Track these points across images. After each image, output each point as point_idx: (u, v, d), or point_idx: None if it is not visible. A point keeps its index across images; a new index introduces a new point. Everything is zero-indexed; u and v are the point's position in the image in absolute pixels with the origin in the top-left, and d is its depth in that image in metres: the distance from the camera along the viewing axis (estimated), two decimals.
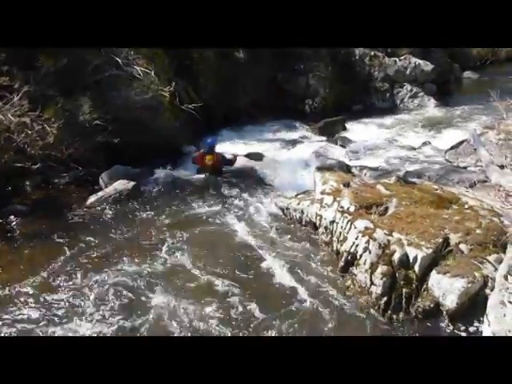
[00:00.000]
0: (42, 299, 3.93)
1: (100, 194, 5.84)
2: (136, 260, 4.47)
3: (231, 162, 6.87)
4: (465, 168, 6.53)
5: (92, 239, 4.88)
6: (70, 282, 4.15)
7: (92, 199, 5.75)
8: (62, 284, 4.13)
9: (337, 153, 7.59)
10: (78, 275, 4.25)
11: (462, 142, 7.30)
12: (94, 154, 6.28)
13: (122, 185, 5.93)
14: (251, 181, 6.50)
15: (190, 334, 3.54)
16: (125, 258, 4.50)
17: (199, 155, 6.77)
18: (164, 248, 4.68)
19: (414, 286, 3.69)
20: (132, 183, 5.98)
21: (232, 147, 8.08)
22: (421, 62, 11.41)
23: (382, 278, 3.70)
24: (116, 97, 6.73)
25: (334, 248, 4.35)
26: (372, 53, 11.30)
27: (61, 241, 4.85)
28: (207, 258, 4.49)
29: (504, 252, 3.69)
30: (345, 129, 9.35)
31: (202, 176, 6.66)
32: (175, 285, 4.09)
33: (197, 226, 5.14)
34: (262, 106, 9.83)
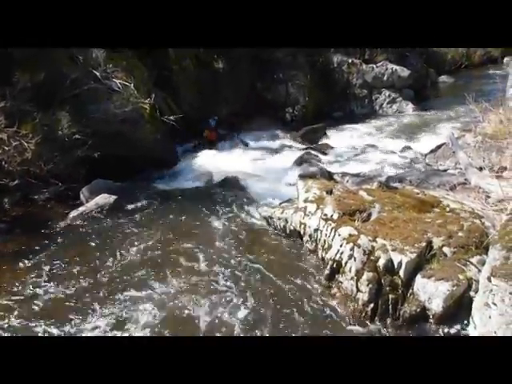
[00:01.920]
0: (22, 316, 3.83)
1: (81, 209, 5.75)
2: (119, 275, 4.40)
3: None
4: (445, 171, 6.62)
5: (74, 255, 4.79)
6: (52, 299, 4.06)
7: (73, 215, 5.65)
8: (43, 300, 4.03)
9: (319, 160, 7.63)
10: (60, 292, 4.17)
11: (440, 146, 7.43)
12: (74, 168, 6.18)
13: (103, 199, 5.84)
14: (234, 191, 6.47)
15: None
16: (108, 274, 4.43)
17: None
18: (147, 262, 4.62)
19: (399, 291, 3.71)
20: (114, 197, 5.90)
21: (213, 156, 8.08)
22: (397, 67, 11.61)
23: (368, 285, 3.71)
24: (95, 110, 6.66)
25: (320, 256, 4.35)
26: (350, 60, 11.46)
27: (42, 258, 4.75)
28: (191, 270, 4.44)
29: (486, 254, 3.74)
30: (326, 136, 9.42)
31: (185, 186, 6.66)
32: (159, 301, 4.03)
33: (180, 238, 5.09)
34: (243, 115, 9.85)
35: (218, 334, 3.60)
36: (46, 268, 4.57)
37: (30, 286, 4.27)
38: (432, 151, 7.41)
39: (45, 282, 4.35)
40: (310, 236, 4.56)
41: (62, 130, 6.09)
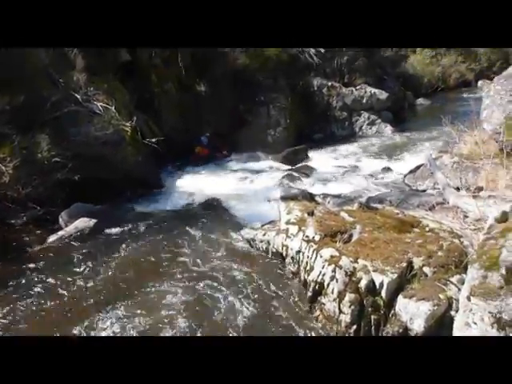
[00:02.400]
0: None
1: (60, 233, 5.65)
2: (99, 300, 4.31)
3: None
4: (423, 191, 6.73)
5: (52, 280, 4.68)
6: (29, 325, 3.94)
7: (52, 239, 5.55)
8: (17, 328, 3.91)
9: (300, 182, 7.69)
10: (38, 317, 4.05)
11: (419, 167, 7.56)
12: (53, 192, 6.10)
13: (83, 223, 5.76)
14: (216, 213, 6.46)
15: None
16: (87, 299, 4.33)
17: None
18: (129, 286, 4.54)
19: (381, 312, 3.70)
20: (94, 221, 5.82)
21: (196, 178, 8.08)
22: (376, 90, 11.90)
23: (350, 306, 3.70)
24: (76, 133, 6.63)
25: (302, 278, 4.34)
26: (329, 83, 11.69)
27: (18, 283, 4.63)
28: (171, 294, 4.37)
29: (466, 273, 3.79)
30: (307, 157, 9.52)
31: (167, 209, 6.64)
32: (141, 324, 3.95)
33: (162, 262, 5.03)
34: (225, 137, 9.92)
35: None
36: (23, 294, 4.45)
37: (7, 311, 4.14)
38: (411, 172, 7.54)
39: (21, 307, 4.24)
40: (292, 258, 4.56)
41: (41, 153, 6.03)
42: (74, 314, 4.13)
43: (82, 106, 6.91)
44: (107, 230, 5.90)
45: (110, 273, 4.85)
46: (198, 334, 3.79)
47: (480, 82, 17.12)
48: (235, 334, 3.78)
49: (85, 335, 3.63)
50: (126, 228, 5.97)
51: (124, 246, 5.46)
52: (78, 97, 6.89)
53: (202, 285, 4.53)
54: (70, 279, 4.73)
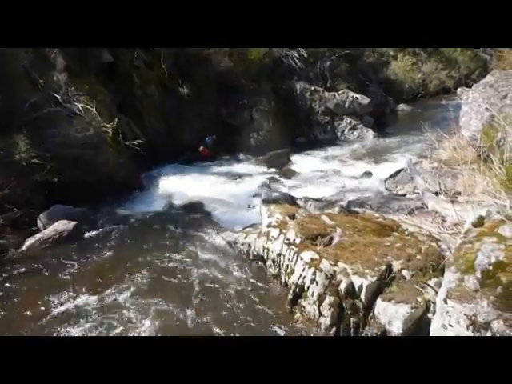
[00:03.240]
0: None
1: (38, 236, 5.55)
2: (78, 304, 4.25)
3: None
4: (403, 195, 6.83)
5: (30, 284, 4.59)
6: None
7: (29, 242, 5.45)
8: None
9: (282, 185, 7.72)
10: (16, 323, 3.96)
11: (399, 171, 7.67)
12: (31, 194, 6.00)
13: (62, 225, 5.67)
14: (198, 216, 6.44)
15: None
16: (63, 303, 4.26)
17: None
18: (109, 290, 4.49)
19: (361, 314, 3.74)
20: (73, 223, 5.74)
21: (178, 182, 8.03)
22: (358, 95, 12.03)
23: (329, 309, 3.73)
24: (55, 134, 6.52)
25: (283, 281, 4.36)
26: (312, 87, 11.79)
27: None
28: (150, 297, 4.33)
29: (443, 276, 3.85)
30: (290, 161, 9.56)
31: (148, 211, 6.61)
32: (117, 326, 3.90)
33: (142, 264, 4.98)
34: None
35: None
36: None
37: None
38: (391, 176, 7.64)
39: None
40: (273, 261, 4.57)
41: (19, 154, 5.91)
42: (51, 319, 4.06)
43: (62, 106, 6.82)
44: (87, 233, 5.83)
45: (89, 276, 4.78)
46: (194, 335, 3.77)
47: (459, 90, 17.46)
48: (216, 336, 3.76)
49: (85, 335, 3.60)
50: (105, 230, 5.90)
51: (104, 248, 5.40)
52: (58, 97, 6.80)
53: (181, 287, 4.51)
54: (47, 282, 4.65)
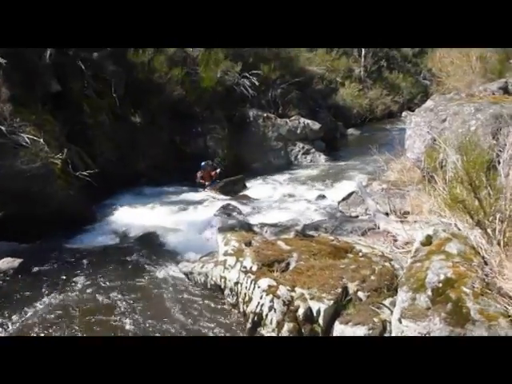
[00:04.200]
0: None
1: None
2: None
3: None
4: (356, 217, 7.01)
5: None
6: None
7: None
8: None
9: (238, 212, 7.72)
10: None
11: (351, 193, 7.89)
12: None
13: (6, 263, 5.37)
14: (153, 247, 6.30)
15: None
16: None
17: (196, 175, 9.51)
18: (58, 328, 4.26)
19: None
20: (19, 260, 5.45)
21: (132, 212, 7.86)
22: (309, 121, 12.40)
23: (289, 336, 3.72)
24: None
25: (241, 310, 4.31)
26: (264, 114, 12.03)
27: None
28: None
29: (397, 295, 3.95)
30: (245, 187, 9.62)
31: (101, 244, 6.39)
32: None
33: (93, 300, 4.78)
34: (163, 168, 9.80)
35: None
36: None
37: None
38: (344, 199, 7.83)
39: None
40: (230, 290, 4.52)
41: None
42: None
43: (6, 138, 6.55)
44: (34, 270, 5.53)
45: (36, 316, 4.53)
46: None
47: (404, 114, 18.41)
48: None
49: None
50: (54, 266, 5.64)
51: (51, 286, 5.14)
52: (3, 129, 6.54)
53: (135, 323, 4.35)
54: None
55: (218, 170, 9.76)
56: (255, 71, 11.93)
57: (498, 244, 3.47)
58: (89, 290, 5.05)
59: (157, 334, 3.74)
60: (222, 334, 4.12)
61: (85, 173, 7.26)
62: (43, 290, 5.06)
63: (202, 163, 9.62)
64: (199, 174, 9.55)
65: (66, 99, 8.62)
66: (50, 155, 6.95)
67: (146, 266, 5.63)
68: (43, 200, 6.51)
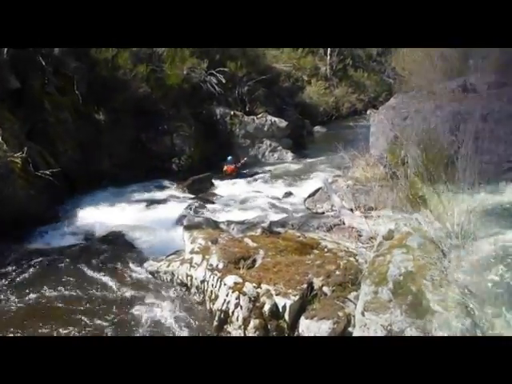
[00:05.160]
0: None
1: None
2: None
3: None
4: (322, 213, 7.10)
5: None
6: None
7: None
8: None
9: (205, 209, 7.68)
10: None
11: (317, 190, 7.99)
12: None
13: None
14: (118, 246, 6.18)
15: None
16: None
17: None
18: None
19: (285, 334, 3.79)
20: None
21: (97, 211, 7.69)
22: (276, 119, 12.46)
23: (255, 332, 3.74)
24: None
25: (208, 307, 4.30)
26: (232, 112, 12.01)
27: None
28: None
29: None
30: (212, 185, 9.58)
31: (65, 244, 6.26)
32: None
33: (56, 302, 4.66)
34: (128, 167, 9.61)
35: None
36: None
37: None
38: (310, 195, 7.92)
39: None
40: (197, 288, 4.51)
41: None
42: None
43: None
44: None
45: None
46: None
47: (369, 111, 18.74)
48: None
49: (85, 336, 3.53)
50: (15, 268, 5.44)
51: (12, 288, 4.97)
52: None
53: (96, 328, 4.27)
54: None
55: (243, 160, 10.63)
56: (222, 68, 11.88)
57: (456, 237, 3.59)
58: (50, 291, 4.92)
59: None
60: (188, 334, 4.10)
61: (47, 172, 7.04)
62: (2, 290, 4.89)
63: (229, 157, 10.29)
64: (225, 168, 10.11)
65: (25, 96, 8.32)
66: (9, 154, 6.72)
67: (111, 267, 5.52)
68: (2, 201, 6.27)
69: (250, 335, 3.76)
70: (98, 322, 4.31)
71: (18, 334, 4.08)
